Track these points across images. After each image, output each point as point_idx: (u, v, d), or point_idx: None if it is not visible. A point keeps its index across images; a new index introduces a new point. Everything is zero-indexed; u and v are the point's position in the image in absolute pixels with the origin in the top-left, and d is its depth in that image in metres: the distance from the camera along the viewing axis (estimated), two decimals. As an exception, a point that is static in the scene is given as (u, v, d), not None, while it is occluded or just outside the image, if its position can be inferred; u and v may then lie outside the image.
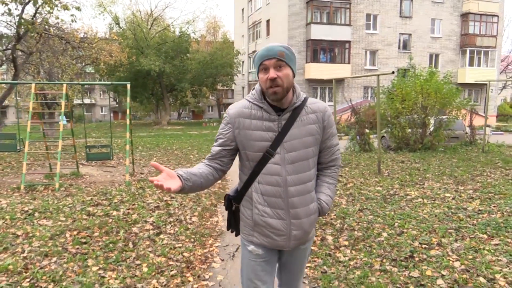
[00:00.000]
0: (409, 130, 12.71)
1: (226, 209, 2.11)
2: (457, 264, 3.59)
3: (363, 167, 9.58)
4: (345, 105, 15.50)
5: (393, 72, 7.80)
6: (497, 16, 32.38)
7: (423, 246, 4.10)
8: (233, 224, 2.13)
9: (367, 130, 13.09)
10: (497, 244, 4.10)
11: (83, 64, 24.40)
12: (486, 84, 32.81)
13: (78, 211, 5.85)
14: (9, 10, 11.15)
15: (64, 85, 8.11)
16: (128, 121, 8.59)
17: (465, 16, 32.13)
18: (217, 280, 3.58)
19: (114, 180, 8.72)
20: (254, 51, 36.47)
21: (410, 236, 4.39)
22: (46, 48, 16.78)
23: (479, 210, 5.46)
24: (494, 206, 5.62)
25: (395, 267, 3.58)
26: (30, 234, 4.84)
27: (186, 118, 59.92)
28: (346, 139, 14.69)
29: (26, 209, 5.99)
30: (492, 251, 3.91)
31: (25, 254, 4.21)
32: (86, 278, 3.67)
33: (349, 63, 29.12)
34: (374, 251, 4.02)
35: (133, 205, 6.13)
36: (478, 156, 11.03)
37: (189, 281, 3.53)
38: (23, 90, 22.59)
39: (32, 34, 14.18)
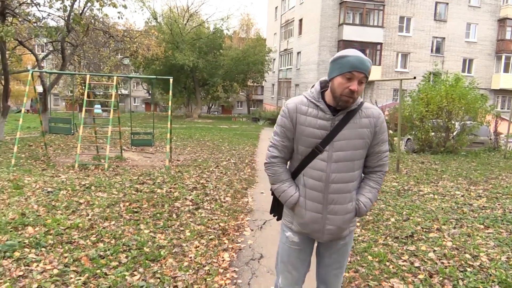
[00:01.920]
0: (433, 133, 13.14)
1: (272, 194, 2.27)
2: (449, 244, 4.25)
3: (383, 165, 10.15)
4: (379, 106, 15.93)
5: (414, 77, 8.34)
6: (536, 22, 31.74)
7: (424, 229, 4.77)
8: (276, 209, 2.30)
9: (390, 131, 13.58)
10: (490, 233, 4.71)
11: (122, 56, 25.75)
12: (521, 91, 32.34)
13: (127, 187, 6.78)
14: (65, 6, 12.28)
15: (115, 78, 9.11)
16: (169, 112, 9.53)
17: (502, 21, 31.63)
18: (248, 243, 4.39)
19: (153, 165, 9.67)
20: (285, 49, 37.10)
21: (414, 222, 5.05)
22: (89, 41, 18.04)
23: (484, 206, 6.03)
24: (498, 204, 6.16)
25: (396, 243, 4.29)
26: (91, 203, 5.76)
27: (216, 112, 61.18)
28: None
29: (83, 183, 6.97)
30: (483, 237, 4.53)
31: (89, 217, 5.12)
32: (140, 237, 4.51)
33: (380, 65, 29.32)
34: (381, 231, 4.72)
35: (174, 185, 7.03)
36: (498, 161, 11.38)
37: (225, 243, 4.35)
38: (68, 79, 23.97)
39: (80, 29, 15.34)
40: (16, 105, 43.20)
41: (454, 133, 13.00)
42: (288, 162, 2.21)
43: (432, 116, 12.89)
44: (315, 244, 2.27)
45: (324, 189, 2.01)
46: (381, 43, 29.23)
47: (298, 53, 33.67)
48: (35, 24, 12.14)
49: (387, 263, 3.74)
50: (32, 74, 8.94)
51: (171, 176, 7.87)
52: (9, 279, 3.36)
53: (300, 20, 33.23)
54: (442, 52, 31.32)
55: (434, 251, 4.04)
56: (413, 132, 13.82)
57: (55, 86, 22.23)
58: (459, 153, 12.88)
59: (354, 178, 2.06)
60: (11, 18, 12.59)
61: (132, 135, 10.17)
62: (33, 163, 9.13)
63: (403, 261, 3.80)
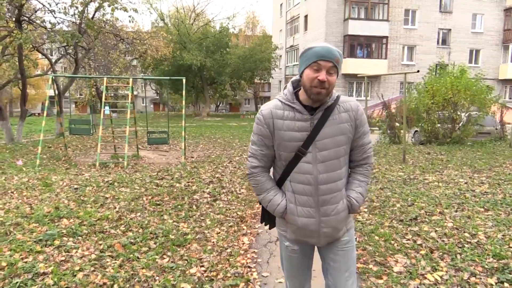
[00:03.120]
0: (439, 125, 13.41)
1: (259, 204, 2.20)
2: (450, 224, 4.61)
3: (390, 156, 10.50)
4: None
5: (418, 71, 8.66)
6: (543, 11, 31.61)
7: (427, 213, 5.13)
8: (267, 218, 2.20)
9: (397, 124, 13.87)
10: (489, 215, 5.05)
11: (132, 57, 26.22)
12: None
13: (148, 182, 7.22)
14: (80, 13, 12.75)
15: (131, 79, 9.56)
16: (183, 111, 9.97)
17: (508, 11, 31.58)
18: (265, 228, 4.74)
19: (169, 162, 10.11)
20: (291, 46, 37.38)
21: (419, 207, 5.41)
22: (100, 43, 18.52)
23: (485, 192, 6.35)
24: (499, 190, 6.48)
25: (400, 225, 4.66)
26: (116, 197, 6.20)
27: (224, 110, 61.70)
28: (377, 133, 15.55)
29: (106, 180, 7.43)
30: (483, 218, 4.88)
31: (116, 209, 5.55)
32: (165, 226, 4.91)
33: (386, 58, 29.49)
34: (387, 215, 5.09)
35: (191, 179, 7.46)
36: (503, 150, 11.63)
37: (244, 229, 4.76)
38: (79, 82, 24.50)
39: (92, 33, 15.80)
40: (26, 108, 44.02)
41: (460, 124, 13.25)
42: (272, 170, 2.14)
43: (438, 108, 13.16)
44: (315, 248, 2.22)
45: (314, 192, 1.95)
46: (386, 37, 29.40)
47: (304, 49, 33.90)
48: (50, 30, 12.63)
49: (392, 242, 4.12)
50: (52, 78, 9.41)
51: (187, 171, 8.30)
52: (53, 263, 3.78)
53: (306, 16, 33.49)
54: (448, 43, 31.40)
55: (436, 231, 4.40)
56: (420, 124, 14.09)
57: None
58: (465, 143, 13.14)
59: (342, 175, 2.00)
60: (27, 25, 13.11)
61: (148, 134, 10.64)
62: (56, 163, 9.63)
63: (406, 240, 4.18)
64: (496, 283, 3.23)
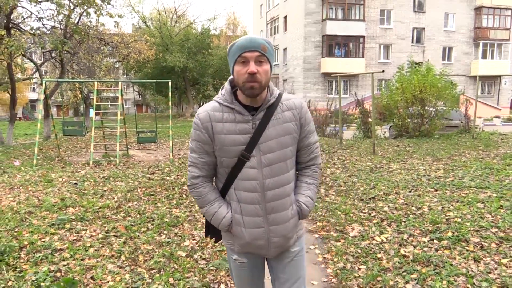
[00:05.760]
0: (409, 120, 14.43)
1: (203, 216, 2.03)
2: (401, 201, 5.50)
3: (362, 149, 11.43)
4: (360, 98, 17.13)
5: (383, 71, 9.56)
6: (511, 9, 33.16)
7: (385, 194, 6.01)
8: (212, 230, 2.04)
9: (370, 120, 14.83)
10: (437, 193, 5.95)
11: (115, 60, 26.65)
12: (499, 76, 33.87)
13: (140, 177, 7.93)
14: (69, 17, 13.30)
15: (120, 83, 10.23)
16: (170, 112, 10.69)
17: (478, 9, 33.04)
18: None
19: (157, 159, 10.81)
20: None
21: (379, 189, 6.29)
22: (84, 47, 19.00)
23: (439, 176, 7.27)
24: (452, 174, 7.41)
25: (360, 203, 5.53)
26: (113, 189, 6.91)
27: (207, 110, 62.15)
28: (353, 129, 16.53)
29: (101, 176, 8.11)
30: (430, 196, 5.77)
31: (115, 199, 6.27)
32: (159, 211, 5.66)
33: (363, 57, 30.59)
34: (350, 196, 5.95)
35: (180, 173, 8.21)
36: (465, 142, 12.66)
37: (228, 210, 5.53)
38: (65, 86, 24.77)
39: (78, 37, 16.30)
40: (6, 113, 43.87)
41: (428, 119, 14.28)
42: (214, 179, 1.98)
43: (407, 104, 14.16)
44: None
45: (261, 200, 1.81)
46: (363, 36, 30.50)
47: (285, 49, 34.86)
48: (39, 36, 13.15)
49: (351, 215, 4.97)
50: (45, 83, 10.00)
51: (176, 166, 9.04)
52: (67, 242, 4.50)
53: (285, 17, 34.41)
54: (422, 42, 32.69)
55: (389, 206, 5.28)
56: (392, 120, 15.09)
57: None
58: (433, 136, 14.17)
59: (290, 179, 1.88)
60: (15, 32, 13.58)
61: (138, 134, 11.32)
62: (51, 162, 10.23)
63: (363, 213, 5.04)
64: (428, 241, 4.10)
